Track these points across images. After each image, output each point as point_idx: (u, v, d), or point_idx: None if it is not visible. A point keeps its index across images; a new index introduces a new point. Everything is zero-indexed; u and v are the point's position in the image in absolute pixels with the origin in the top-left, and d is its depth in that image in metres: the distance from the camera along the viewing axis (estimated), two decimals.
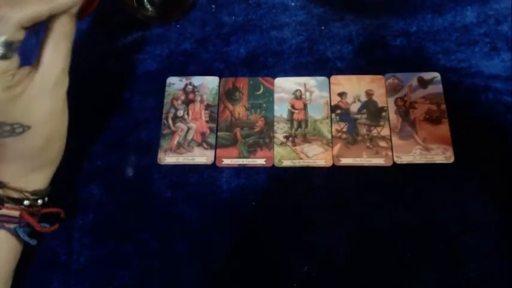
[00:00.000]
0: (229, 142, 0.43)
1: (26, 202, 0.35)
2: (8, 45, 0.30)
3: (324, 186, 0.41)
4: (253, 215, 0.41)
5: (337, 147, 0.42)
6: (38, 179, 0.36)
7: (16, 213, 0.35)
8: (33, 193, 0.36)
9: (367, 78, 0.45)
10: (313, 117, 0.44)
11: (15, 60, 0.31)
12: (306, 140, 0.43)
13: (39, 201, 0.37)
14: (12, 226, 0.35)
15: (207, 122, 0.44)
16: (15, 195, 0.35)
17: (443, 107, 0.43)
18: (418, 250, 0.38)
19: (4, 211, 0.35)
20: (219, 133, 0.44)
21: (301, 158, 0.42)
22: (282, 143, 0.43)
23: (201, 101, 0.45)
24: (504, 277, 0.37)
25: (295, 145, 0.43)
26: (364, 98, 0.44)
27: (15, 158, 0.35)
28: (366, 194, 0.41)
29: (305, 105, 0.44)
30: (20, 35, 0.30)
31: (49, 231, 0.37)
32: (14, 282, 0.37)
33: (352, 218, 0.40)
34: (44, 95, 0.33)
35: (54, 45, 0.33)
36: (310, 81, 0.45)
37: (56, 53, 0.33)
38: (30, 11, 0.30)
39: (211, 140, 0.44)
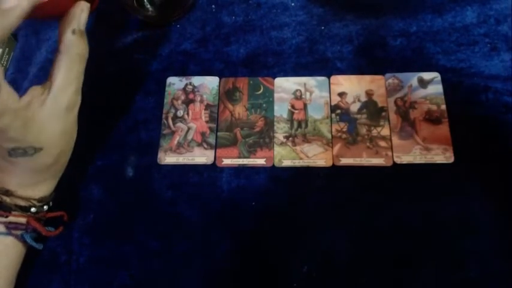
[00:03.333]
0: (229, 142, 0.43)
1: (32, 209, 0.36)
2: None
3: (324, 186, 0.41)
4: (253, 215, 0.41)
5: (337, 147, 0.42)
6: (43, 188, 0.37)
7: (23, 219, 0.35)
8: (40, 200, 0.36)
9: (367, 78, 0.45)
10: (313, 117, 0.44)
11: None
12: (306, 140, 0.43)
13: (45, 207, 0.37)
14: (19, 232, 0.35)
15: (207, 122, 0.44)
16: (22, 203, 0.35)
17: (443, 107, 0.43)
18: (418, 250, 0.38)
19: (11, 218, 0.35)
20: (219, 133, 0.44)
21: (301, 158, 0.42)
22: (282, 143, 0.43)
23: (201, 101, 0.45)
24: (504, 277, 0.37)
25: (295, 145, 0.43)
26: (364, 98, 0.44)
27: (24, 173, 0.35)
28: (366, 194, 0.41)
29: (305, 105, 0.44)
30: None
31: (54, 235, 0.38)
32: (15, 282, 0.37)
33: (352, 218, 0.40)
34: (56, 117, 0.33)
35: (67, 67, 0.33)
36: (310, 81, 0.45)
37: (69, 76, 0.33)
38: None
39: (211, 140, 0.44)
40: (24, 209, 0.35)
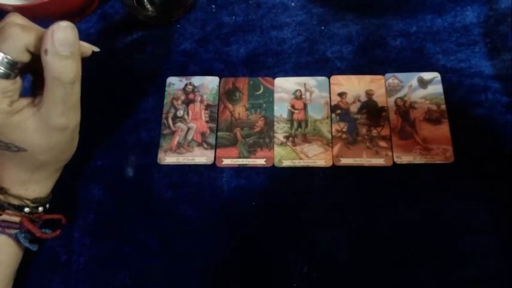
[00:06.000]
0: (229, 142, 0.43)
1: (26, 209, 0.36)
2: (12, 65, 0.30)
3: (324, 186, 0.41)
4: (253, 215, 0.41)
5: (337, 147, 0.42)
6: (37, 188, 0.37)
7: (17, 219, 0.36)
8: (34, 201, 0.36)
9: (367, 78, 0.45)
10: (313, 117, 0.44)
11: (17, 82, 0.31)
12: (306, 140, 0.43)
13: (40, 209, 0.37)
14: (13, 232, 0.36)
15: (207, 122, 0.44)
16: (15, 202, 0.36)
17: (443, 107, 0.43)
18: (418, 250, 0.38)
19: (5, 217, 0.35)
20: (219, 133, 0.44)
21: (301, 158, 0.42)
22: (282, 143, 0.43)
23: (201, 101, 0.45)
24: (504, 277, 0.37)
25: (295, 145, 0.43)
26: (364, 98, 0.44)
27: (13, 167, 0.35)
28: (366, 194, 0.41)
29: (305, 105, 0.44)
30: (25, 57, 0.30)
31: (50, 237, 0.38)
32: (14, 282, 0.37)
33: (352, 218, 0.40)
34: (42, 132, 0.32)
35: (47, 90, 0.31)
36: (310, 81, 0.45)
37: (51, 98, 0.31)
38: (39, 37, 0.30)
39: (211, 140, 0.44)
40: (18, 208, 0.35)
